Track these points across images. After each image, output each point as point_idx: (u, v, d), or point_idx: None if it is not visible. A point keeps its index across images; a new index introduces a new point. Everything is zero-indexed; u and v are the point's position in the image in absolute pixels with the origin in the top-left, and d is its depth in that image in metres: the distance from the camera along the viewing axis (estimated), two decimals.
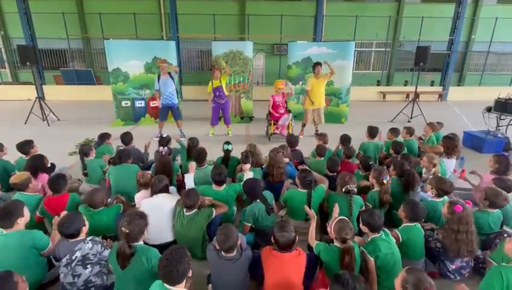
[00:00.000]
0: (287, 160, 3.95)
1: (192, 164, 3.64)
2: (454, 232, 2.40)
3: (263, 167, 3.88)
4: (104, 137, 4.68)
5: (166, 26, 13.57)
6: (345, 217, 2.31)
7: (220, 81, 6.52)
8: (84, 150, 3.98)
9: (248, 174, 3.47)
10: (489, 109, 6.12)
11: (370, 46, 14.89)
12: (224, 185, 3.18)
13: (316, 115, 6.62)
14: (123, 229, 2.06)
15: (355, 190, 2.94)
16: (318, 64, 6.37)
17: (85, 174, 3.99)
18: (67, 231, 2.20)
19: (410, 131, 4.87)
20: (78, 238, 2.25)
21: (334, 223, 2.25)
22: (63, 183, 2.94)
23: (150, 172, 3.24)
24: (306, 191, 3.04)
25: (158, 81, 6.30)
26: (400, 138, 4.72)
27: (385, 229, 2.38)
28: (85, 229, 2.31)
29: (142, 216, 2.21)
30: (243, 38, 13.56)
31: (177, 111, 6.57)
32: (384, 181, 3.03)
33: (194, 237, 2.73)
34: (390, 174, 3.42)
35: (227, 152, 4.09)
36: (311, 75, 6.54)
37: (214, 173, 3.11)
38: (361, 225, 2.39)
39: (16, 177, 3.05)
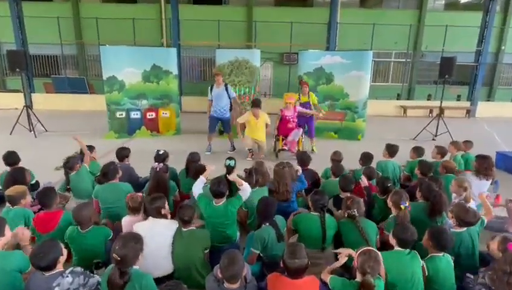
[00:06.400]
0: (299, 169, 3.98)
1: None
2: (506, 275, 2.24)
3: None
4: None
5: (167, 33, 13.91)
6: (373, 249, 2.28)
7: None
8: (69, 164, 3.92)
9: (244, 188, 3.24)
10: None
11: (389, 57, 15.03)
12: (224, 199, 3.14)
13: None
14: (115, 255, 1.99)
15: (357, 214, 2.87)
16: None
17: (68, 190, 3.96)
18: (41, 262, 2.05)
19: (442, 151, 4.68)
20: (55, 271, 2.11)
21: (358, 253, 2.21)
22: (53, 196, 2.89)
23: (141, 194, 3.18)
24: (318, 214, 2.97)
25: (211, 92, 6.57)
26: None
27: (415, 251, 2.46)
28: (62, 259, 2.18)
29: (138, 239, 2.17)
30: (250, 46, 13.81)
31: (227, 124, 6.81)
32: (402, 206, 2.95)
33: (195, 257, 2.67)
34: (417, 198, 3.34)
35: (229, 168, 4.01)
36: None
37: (212, 184, 3.09)
38: (390, 237, 2.54)
39: (13, 189, 3.09)
